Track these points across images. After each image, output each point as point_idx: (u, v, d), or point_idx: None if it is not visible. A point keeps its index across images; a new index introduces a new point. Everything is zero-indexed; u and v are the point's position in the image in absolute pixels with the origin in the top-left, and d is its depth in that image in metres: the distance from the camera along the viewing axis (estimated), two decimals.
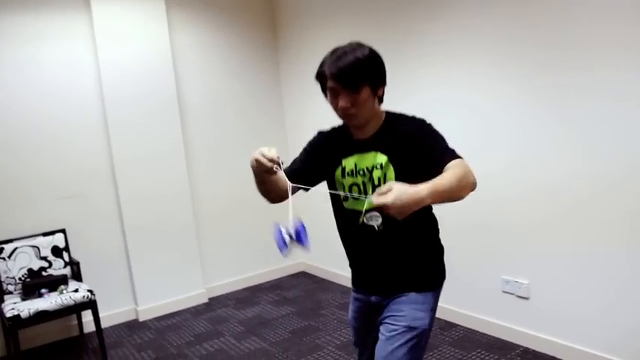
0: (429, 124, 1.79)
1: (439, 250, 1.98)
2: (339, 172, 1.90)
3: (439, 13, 3.42)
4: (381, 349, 1.83)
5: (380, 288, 1.93)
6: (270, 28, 5.17)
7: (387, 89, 1.82)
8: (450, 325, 3.67)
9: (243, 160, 4.99)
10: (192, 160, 4.74)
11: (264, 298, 4.74)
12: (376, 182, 1.80)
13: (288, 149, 5.17)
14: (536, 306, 3.17)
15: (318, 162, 1.96)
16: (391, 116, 1.86)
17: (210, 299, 4.80)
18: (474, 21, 3.21)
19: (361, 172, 1.84)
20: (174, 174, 4.57)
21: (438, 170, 1.61)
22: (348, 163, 1.87)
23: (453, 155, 1.68)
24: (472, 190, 1.63)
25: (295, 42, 4.94)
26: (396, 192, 1.43)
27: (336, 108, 1.79)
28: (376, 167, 1.80)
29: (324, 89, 1.81)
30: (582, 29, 2.67)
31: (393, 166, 1.77)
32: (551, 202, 2.98)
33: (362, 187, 1.85)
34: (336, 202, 1.96)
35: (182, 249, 4.64)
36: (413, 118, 1.83)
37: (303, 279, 5.16)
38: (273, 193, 1.88)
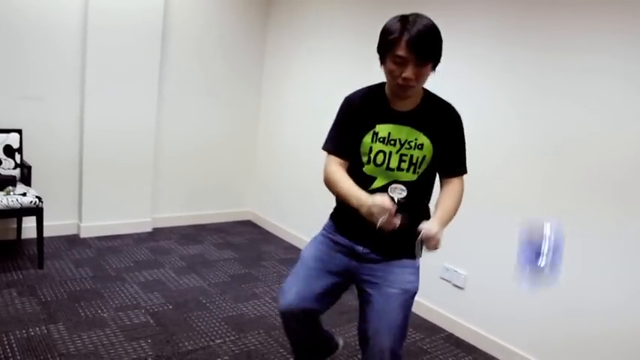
0: (461, 121, 1.91)
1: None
2: (370, 135, 1.92)
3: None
4: (380, 309, 1.95)
5: (374, 245, 1.98)
6: None
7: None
8: None
9: (213, 105, 4.92)
10: (165, 85, 4.64)
11: (208, 238, 4.78)
12: (414, 161, 1.88)
13: (260, 110, 5.15)
14: (468, 297, 3.37)
15: (354, 127, 1.95)
16: (430, 95, 1.93)
17: (154, 229, 4.79)
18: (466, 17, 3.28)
19: (392, 142, 1.89)
20: (146, 96, 4.46)
21: (448, 170, 1.91)
22: (382, 129, 1.90)
23: (463, 168, 1.92)
24: None
25: (289, 8, 4.87)
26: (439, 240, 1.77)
27: (396, 77, 1.78)
28: (416, 146, 1.87)
29: (386, 55, 1.79)
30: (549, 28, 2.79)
31: (433, 151, 1.88)
32: (496, 198, 3.14)
33: (387, 156, 1.89)
34: (358, 162, 1.97)
35: (136, 174, 4.58)
36: (450, 107, 1.92)
37: (249, 227, 5.21)
38: None
